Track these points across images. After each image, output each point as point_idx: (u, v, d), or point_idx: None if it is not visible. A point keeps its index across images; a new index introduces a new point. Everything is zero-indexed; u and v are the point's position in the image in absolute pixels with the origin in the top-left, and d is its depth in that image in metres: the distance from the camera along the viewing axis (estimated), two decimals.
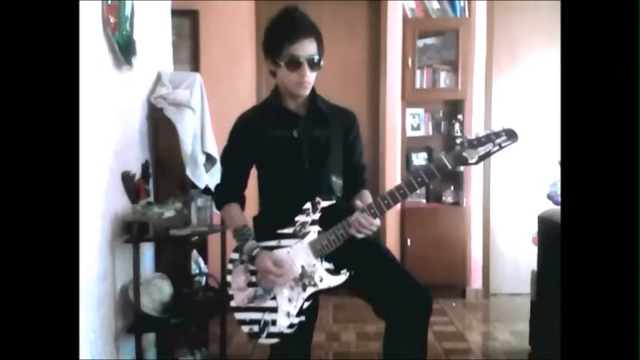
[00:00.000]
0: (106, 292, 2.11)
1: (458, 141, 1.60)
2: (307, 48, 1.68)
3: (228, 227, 1.93)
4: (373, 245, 1.78)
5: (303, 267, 1.69)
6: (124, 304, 2.29)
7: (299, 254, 1.70)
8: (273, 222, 1.75)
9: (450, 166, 1.58)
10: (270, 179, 1.83)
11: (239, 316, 1.75)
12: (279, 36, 1.70)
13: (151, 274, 2.50)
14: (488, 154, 1.57)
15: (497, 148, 1.56)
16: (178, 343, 2.53)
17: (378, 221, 1.64)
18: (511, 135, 1.56)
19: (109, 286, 2.15)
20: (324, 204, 1.70)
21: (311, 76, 1.72)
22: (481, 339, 3.13)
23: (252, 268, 1.73)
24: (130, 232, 2.21)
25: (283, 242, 1.72)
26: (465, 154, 1.58)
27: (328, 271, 1.70)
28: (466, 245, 3.77)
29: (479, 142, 1.57)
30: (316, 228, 1.70)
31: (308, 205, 1.71)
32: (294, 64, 1.68)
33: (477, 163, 1.59)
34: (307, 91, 1.76)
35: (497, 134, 1.56)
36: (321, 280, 1.69)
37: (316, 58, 1.70)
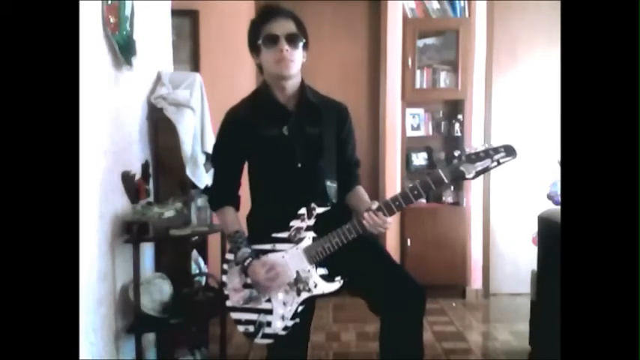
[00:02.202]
0: (106, 292, 2.11)
1: (456, 154, 1.58)
2: (284, 25, 1.69)
3: (223, 231, 1.92)
4: (368, 243, 1.76)
5: (297, 272, 1.69)
6: (124, 304, 2.29)
7: (294, 259, 1.69)
8: (266, 223, 1.74)
9: (446, 180, 1.57)
10: (261, 178, 1.80)
11: (235, 315, 1.75)
12: (257, 23, 1.73)
13: (151, 274, 2.50)
14: (485, 170, 1.56)
15: (495, 164, 1.54)
16: (178, 343, 2.53)
17: (391, 219, 1.63)
18: (510, 151, 1.54)
19: (109, 286, 2.15)
20: (319, 210, 1.69)
21: (291, 53, 1.69)
22: (481, 339, 3.13)
23: None
24: (129, 232, 2.21)
25: (278, 246, 1.71)
26: (462, 168, 1.56)
27: (322, 277, 1.69)
28: (466, 245, 3.77)
29: (477, 157, 1.55)
30: (311, 234, 1.69)
31: (303, 211, 1.69)
32: (271, 39, 1.68)
33: (473, 178, 1.57)
34: (289, 70, 1.70)
35: (496, 150, 1.54)
36: (315, 286, 1.68)
37: (295, 34, 1.70)
